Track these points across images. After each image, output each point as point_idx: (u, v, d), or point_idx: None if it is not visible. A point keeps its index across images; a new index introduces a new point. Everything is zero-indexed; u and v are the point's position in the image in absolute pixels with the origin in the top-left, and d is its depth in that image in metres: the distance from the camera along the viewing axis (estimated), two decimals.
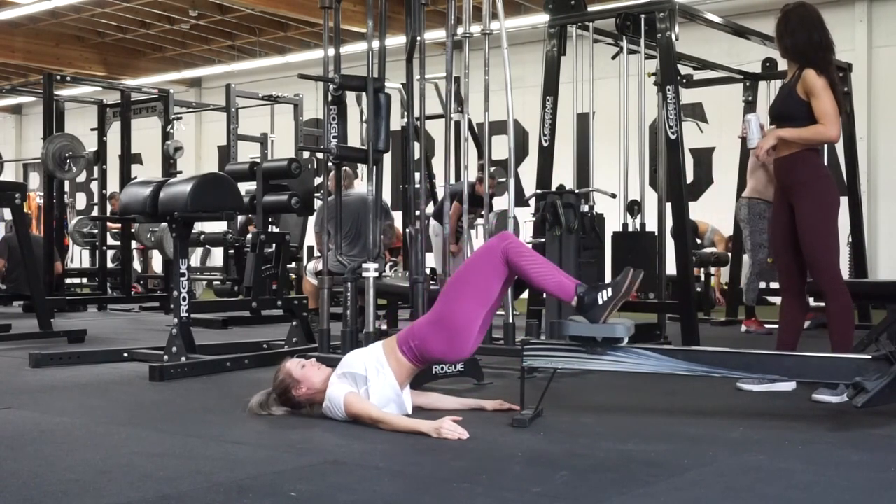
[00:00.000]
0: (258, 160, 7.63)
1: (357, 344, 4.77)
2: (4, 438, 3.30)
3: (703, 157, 12.52)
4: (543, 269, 3.62)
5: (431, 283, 5.09)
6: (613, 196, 6.32)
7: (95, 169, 10.10)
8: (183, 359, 4.98)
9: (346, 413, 3.44)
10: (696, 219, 9.50)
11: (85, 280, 12.29)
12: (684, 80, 7.79)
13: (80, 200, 17.24)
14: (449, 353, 3.63)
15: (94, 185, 10.86)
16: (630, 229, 6.53)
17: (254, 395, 3.72)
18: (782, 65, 7.90)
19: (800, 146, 4.21)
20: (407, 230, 5.22)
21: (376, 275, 4.67)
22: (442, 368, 4.39)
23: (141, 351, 5.55)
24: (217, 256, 13.49)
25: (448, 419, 3.27)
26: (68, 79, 10.49)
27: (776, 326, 4.50)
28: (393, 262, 10.50)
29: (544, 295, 5.50)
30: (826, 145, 5.09)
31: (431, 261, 9.06)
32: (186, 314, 5.14)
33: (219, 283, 10.99)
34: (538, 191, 5.87)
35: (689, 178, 10.69)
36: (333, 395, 3.48)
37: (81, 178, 11.74)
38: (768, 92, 8.35)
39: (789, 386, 4.26)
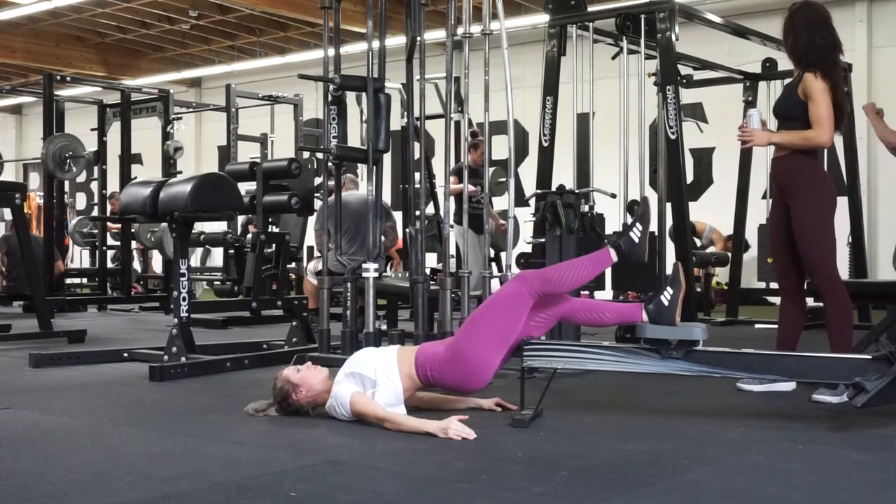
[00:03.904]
0: (258, 160, 7.63)
1: (357, 344, 4.78)
2: (4, 438, 3.30)
3: (703, 157, 12.53)
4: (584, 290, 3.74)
5: (431, 283, 5.09)
6: (613, 196, 6.31)
7: (95, 169, 10.10)
8: (183, 359, 4.98)
9: (352, 412, 3.44)
10: (694, 219, 9.51)
11: (85, 280, 12.29)
12: (684, 80, 7.79)
13: (80, 200, 17.24)
14: (465, 387, 3.66)
15: (94, 185, 10.87)
16: None
17: (251, 403, 3.71)
18: (782, 65, 7.93)
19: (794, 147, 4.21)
20: (407, 230, 5.22)
21: (376, 275, 4.67)
22: None
23: (141, 351, 5.54)
24: (217, 256, 13.48)
25: (454, 419, 3.27)
26: (68, 79, 10.49)
27: (776, 326, 4.50)
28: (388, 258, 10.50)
29: None
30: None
31: (431, 261, 9.06)
32: (186, 314, 5.14)
33: (219, 283, 10.99)
34: (538, 191, 5.87)
35: (689, 178, 10.69)
36: (339, 393, 3.48)
37: (81, 178, 11.74)
38: (768, 92, 8.35)
39: (789, 386, 4.26)
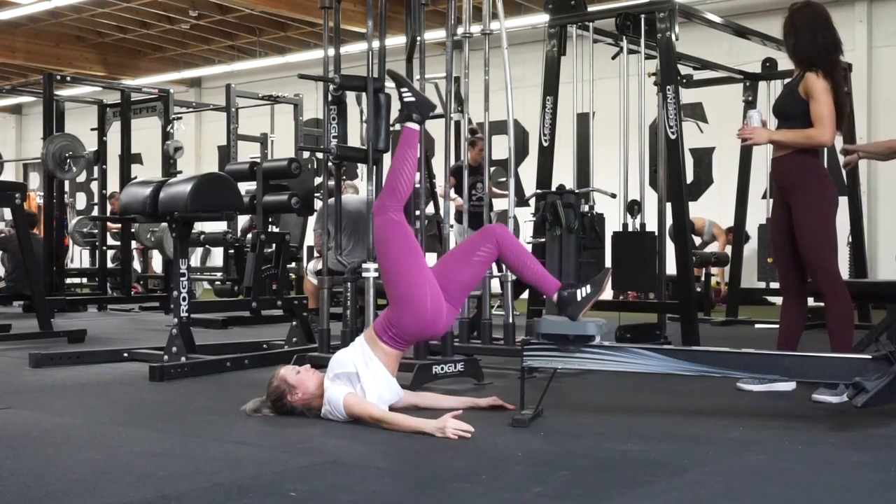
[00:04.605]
0: (258, 160, 7.63)
1: None
2: (4, 438, 3.30)
3: (703, 157, 12.53)
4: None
5: None
6: (613, 196, 6.32)
7: (95, 169, 10.09)
8: (183, 359, 4.98)
9: (348, 414, 3.44)
10: (691, 216, 9.51)
11: (85, 280, 12.29)
12: (684, 80, 7.79)
13: (80, 200, 17.22)
14: (425, 327, 3.67)
15: (94, 185, 10.86)
16: (630, 229, 6.53)
17: (248, 402, 3.71)
18: (782, 65, 7.93)
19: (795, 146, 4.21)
20: None
21: (376, 275, 4.67)
22: (442, 368, 4.40)
23: (141, 351, 5.55)
24: (217, 256, 13.48)
25: (450, 417, 3.26)
26: (68, 79, 10.48)
27: (776, 326, 4.50)
28: None
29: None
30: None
31: (431, 261, 9.03)
32: (186, 314, 5.14)
33: (219, 283, 10.98)
34: (538, 191, 5.87)
35: (689, 178, 10.69)
36: (333, 397, 3.48)
37: (81, 178, 11.73)
38: (768, 92, 8.35)
39: (789, 386, 4.26)
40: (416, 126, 3.94)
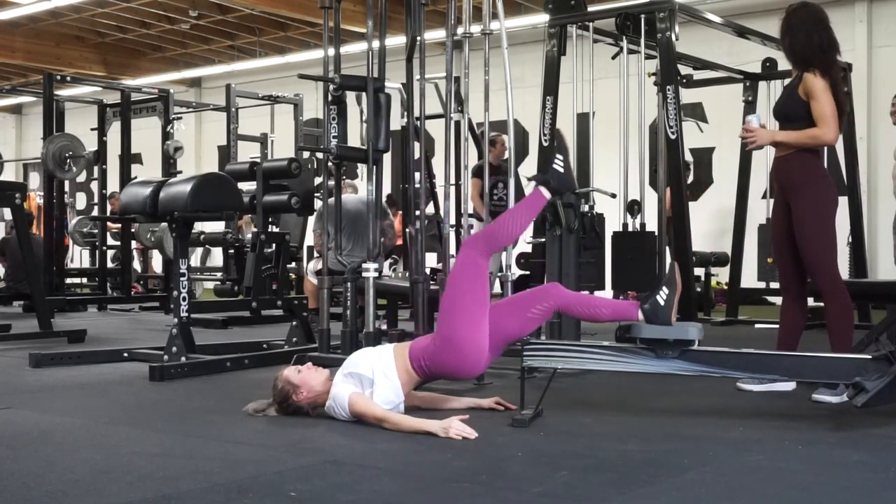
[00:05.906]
0: (258, 160, 7.63)
1: (356, 344, 4.78)
2: (4, 438, 3.30)
3: (703, 157, 12.52)
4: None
5: (431, 283, 5.08)
6: (613, 196, 6.32)
7: (95, 169, 10.10)
8: (183, 359, 4.98)
9: (351, 412, 3.44)
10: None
11: (85, 280, 12.29)
12: (684, 80, 7.80)
13: (80, 200, 17.23)
14: (461, 372, 3.67)
15: (94, 185, 10.87)
16: (630, 229, 6.53)
17: (250, 403, 3.71)
18: (782, 65, 7.93)
19: (798, 147, 4.21)
20: (407, 230, 5.23)
21: (376, 275, 4.67)
22: None
23: (141, 351, 5.54)
24: (217, 256, 13.48)
25: (456, 419, 3.27)
26: (68, 79, 10.49)
27: (776, 326, 4.50)
28: (394, 259, 10.51)
29: None
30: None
31: (431, 261, 9.05)
32: (186, 314, 5.14)
33: (219, 283, 10.99)
34: None
35: (690, 178, 10.69)
36: (338, 394, 3.48)
37: (81, 178, 11.74)
38: (768, 92, 8.36)
39: (789, 386, 4.26)
40: (547, 194, 3.86)
